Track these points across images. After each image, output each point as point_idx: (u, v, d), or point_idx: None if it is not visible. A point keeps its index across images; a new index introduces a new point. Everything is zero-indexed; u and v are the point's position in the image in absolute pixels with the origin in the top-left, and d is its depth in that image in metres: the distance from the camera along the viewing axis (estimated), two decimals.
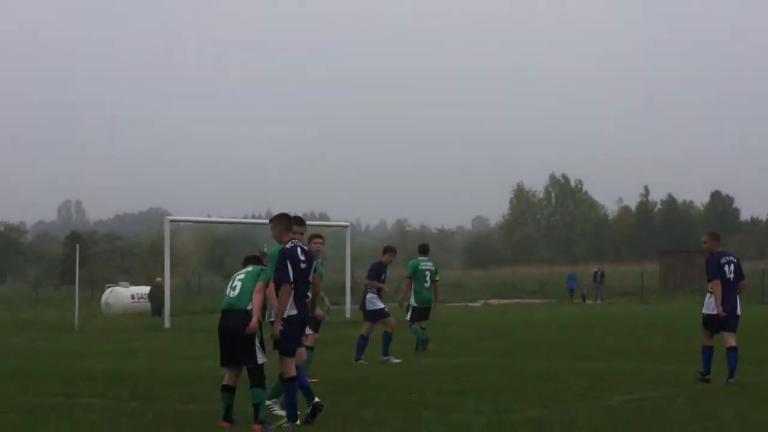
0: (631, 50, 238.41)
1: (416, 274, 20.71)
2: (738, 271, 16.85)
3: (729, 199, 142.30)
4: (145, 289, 47.90)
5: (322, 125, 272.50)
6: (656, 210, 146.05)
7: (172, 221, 39.49)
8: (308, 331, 15.58)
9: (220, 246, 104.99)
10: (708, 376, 16.16)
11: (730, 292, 16.60)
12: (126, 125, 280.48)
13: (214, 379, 16.94)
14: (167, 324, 34.38)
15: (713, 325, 16.50)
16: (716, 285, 16.48)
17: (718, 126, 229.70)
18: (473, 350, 23.27)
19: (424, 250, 21.46)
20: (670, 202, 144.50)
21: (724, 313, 16.31)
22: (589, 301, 59.40)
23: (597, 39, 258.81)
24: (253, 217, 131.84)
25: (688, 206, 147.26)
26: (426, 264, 20.89)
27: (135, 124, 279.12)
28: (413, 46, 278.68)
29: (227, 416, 12.05)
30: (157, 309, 43.72)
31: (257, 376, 11.91)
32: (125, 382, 16.74)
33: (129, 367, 19.44)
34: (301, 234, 12.46)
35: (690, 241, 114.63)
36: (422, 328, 21.05)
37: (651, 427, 11.35)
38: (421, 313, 20.91)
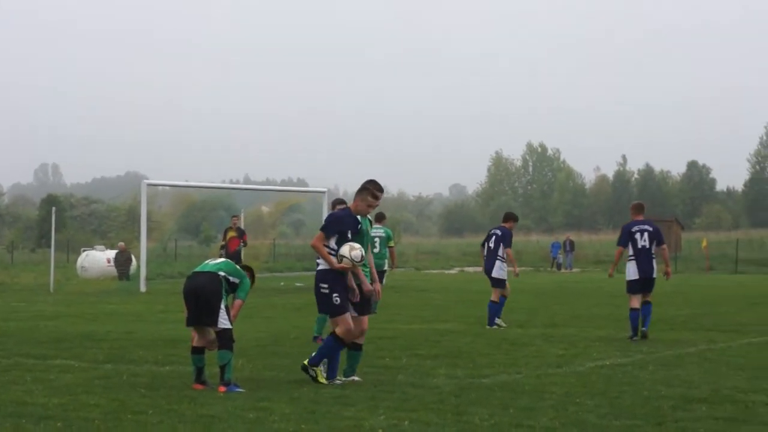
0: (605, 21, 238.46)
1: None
2: (653, 239, 18.22)
3: (706, 169, 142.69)
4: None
5: (300, 92, 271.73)
6: (633, 179, 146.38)
7: (149, 185, 39.32)
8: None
9: (197, 210, 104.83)
10: (643, 329, 17.66)
11: (644, 258, 18.09)
12: (104, 89, 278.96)
13: (189, 341, 16.99)
14: (143, 288, 34.36)
15: (634, 288, 18.02)
16: (618, 252, 18.68)
17: (698, 96, 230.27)
18: (448, 316, 23.39)
19: (378, 218, 21.68)
20: (648, 171, 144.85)
21: (611, 275, 18.99)
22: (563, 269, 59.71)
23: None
24: (231, 182, 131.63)
25: (665, 176, 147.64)
26: (377, 230, 20.82)
27: (113, 88, 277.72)
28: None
29: (199, 378, 12.11)
30: (124, 273, 43.84)
31: (222, 338, 11.96)
32: (100, 344, 16.76)
33: (104, 329, 19.45)
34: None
35: (666, 210, 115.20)
36: None
37: (622, 392, 11.45)
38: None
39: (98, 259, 46.24)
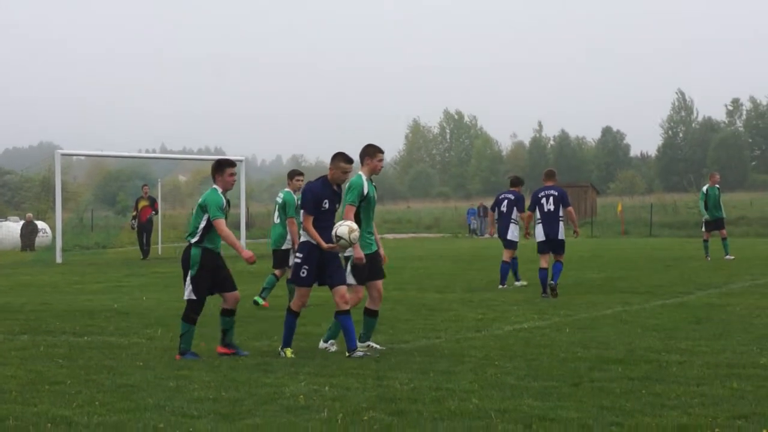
0: None
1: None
2: (559, 202, 19.54)
3: (620, 135, 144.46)
4: (38, 224, 47.16)
5: (218, 58, 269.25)
6: (549, 146, 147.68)
7: (63, 155, 38.73)
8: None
9: (113, 180, 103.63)
10: (551, 283, 18.97)
11: (551, 220, 19.52)
12: (18, 57, 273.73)
13: (107, 312, 16.90)
14: (59, 259, 33.92)
15: (543, 248, 19.50)
16: (527, 216, 20.44)
17: (609, 64, 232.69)
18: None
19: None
20: (563, 137, 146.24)
21: (528, 236, 20.49)
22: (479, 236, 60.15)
23: None
24: (147, 151, 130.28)
25: (581, 142, 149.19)
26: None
27: (27, 56, 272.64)
28: None
29: (223, 341, 12.15)
30: (29, 244, 43.52)
31: (185, 309, 12.03)
32: (15, 315, 16.55)
33: (19, 301, 19.19)
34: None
35: (582, 176, 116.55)
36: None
37: (539, 354, 11.60)
38: None
39: (12, 230, 45.55)
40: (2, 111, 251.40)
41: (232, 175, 12.30)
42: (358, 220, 12.19)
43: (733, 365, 10.72)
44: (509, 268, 21.59)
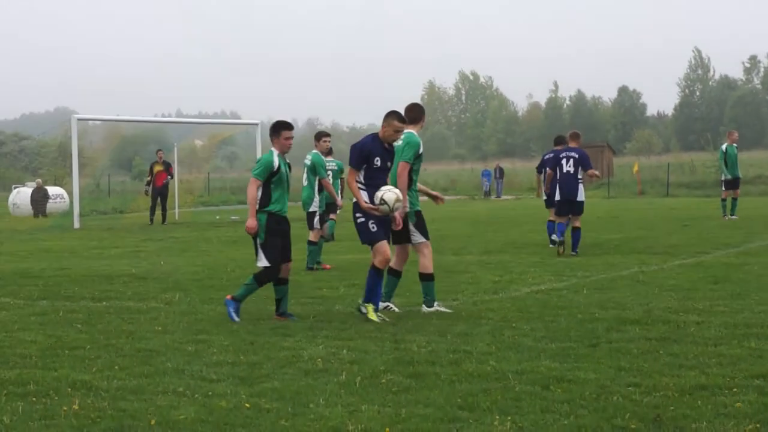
0: None
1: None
2: (579, 164, 19.96)
3: (636, 94, 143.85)
4: (54, 190, 47.30)
5: (234, 21, 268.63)
6: (565, 106, 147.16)
7: (79, 120, 38.74)
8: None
9: (129, 145, 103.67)
10: (558, 239, 19.67)
11: (570, 181, 20.00)
12: (30, 23, 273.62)
13: (125, 277, 16.96)
14: (76, 224, 34.04)
15: (560, 210, 20.14)
16: (548, 175, 20.85)
17: (625, 22, 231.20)
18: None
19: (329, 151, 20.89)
20: (579, 97, 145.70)
21: (545, 194, 21.14)
22: (493, 197, 60.08)
23: None
24: (163, 116, 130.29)
25: (597, 102, 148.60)
26: (330, 164, 19.87)
27: (40, 21, 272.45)
28: None
29: (277, 310, 12.14)
30: (41, 210, 43.73)
31: (261, 272, 12.01)
32: (35, 281, 16.62)
33: (38, 266, 19.29)
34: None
35: (598, 135, 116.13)
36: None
37: (557, 316, 11.61)
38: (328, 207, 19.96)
39: (28, 196, 45.70)
40: (20, 78, 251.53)
41: (288, 138, 12.09)
42: (410, 179, 12.13)
43: (750, 325, 10.71)
44: (579, 235, 20.62)
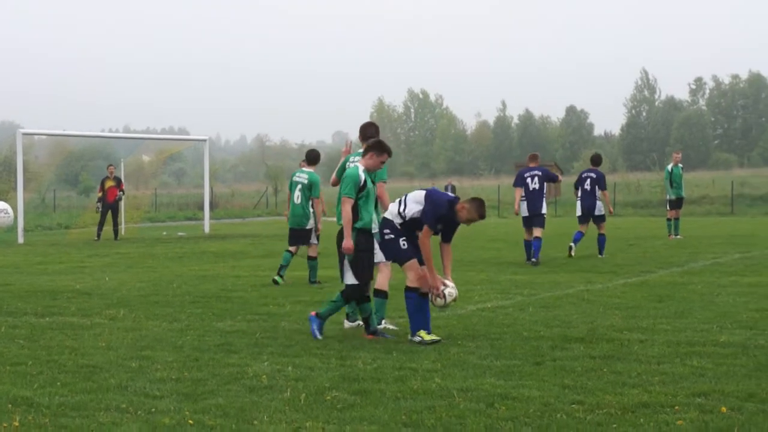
0: None
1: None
2: (543, 179, 22.18)
3: (584, 114, 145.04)
4: None
5: (183, 37, 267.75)
6: (513, 125, 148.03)
7: (25, 134, 38.39)
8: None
9: (76, 160, 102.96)
10: (533, 260, 21.61)
11: (535, 197, 22.07)
12: None
13: (69, 293, 16.79)
14: (21, 239, 33.69)
15: (527, 223, 22.12)
16: (516, 191, 22.47)
17: (573, 42, 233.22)
18: (332, 263, 23.37)
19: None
20: (527, 116, 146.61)
21: (517, 213, 22.46)
22: None
23: None
24: (110, 131, 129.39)
25: (545, 121, 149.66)
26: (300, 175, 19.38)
27: None
28: None
29: (367, 329, 11.79)
30: None
31: (346, 289, 11.75)
32: None
33: None
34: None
35: (546, 155, 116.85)
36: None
37: (502, 334, 11.64)
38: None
39: None
40: None
41: (383, 162, 11.97)
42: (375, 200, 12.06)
43: (693, 343, 10.80)
44: (604, 240, 23.67)
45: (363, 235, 11.65)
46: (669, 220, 30.18)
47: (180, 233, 38.05)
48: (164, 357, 10.35)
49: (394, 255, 11.59)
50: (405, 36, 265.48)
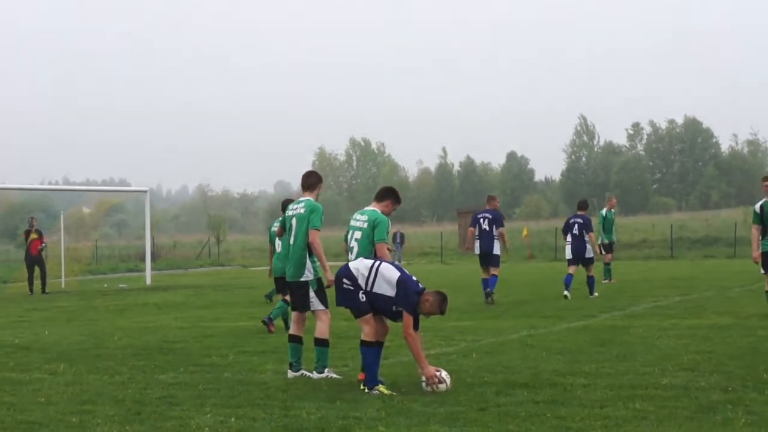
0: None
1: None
2: (493, 222, 23.64)
3: (525, 160, 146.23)
4: None
5: (120, 87, 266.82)
6: (455, 171, 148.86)
7: None
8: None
9: (16, 213, 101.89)
10: (488, 290, 23.27)
11: (486, 237, 23.62)
12: None
13: (7, 348, 16.57)
14: None
15: (481, 261, 23.76)
16: (469, 231, 24.03)
17: (515, 88, 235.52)
18: None
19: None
20: (468, 163, 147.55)
21: (469, 249, 24.15)
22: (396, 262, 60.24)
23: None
24: (50, 183, 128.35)
25: (486, 167, 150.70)
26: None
27: None
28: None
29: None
30: None
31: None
32: None
33: None
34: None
35: None
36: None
37: None
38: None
39: None
40: None
41: (394, 210, 12.57)
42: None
43: (635, 386, 10.87)
44: (593, 281, 25.01)
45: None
46: (607, 264, 30.42)
47: (121, 285, 37.72)
48: (105, 411, 10.22)
49: (350, 304, 11.50)
50: (346, 84, 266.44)
